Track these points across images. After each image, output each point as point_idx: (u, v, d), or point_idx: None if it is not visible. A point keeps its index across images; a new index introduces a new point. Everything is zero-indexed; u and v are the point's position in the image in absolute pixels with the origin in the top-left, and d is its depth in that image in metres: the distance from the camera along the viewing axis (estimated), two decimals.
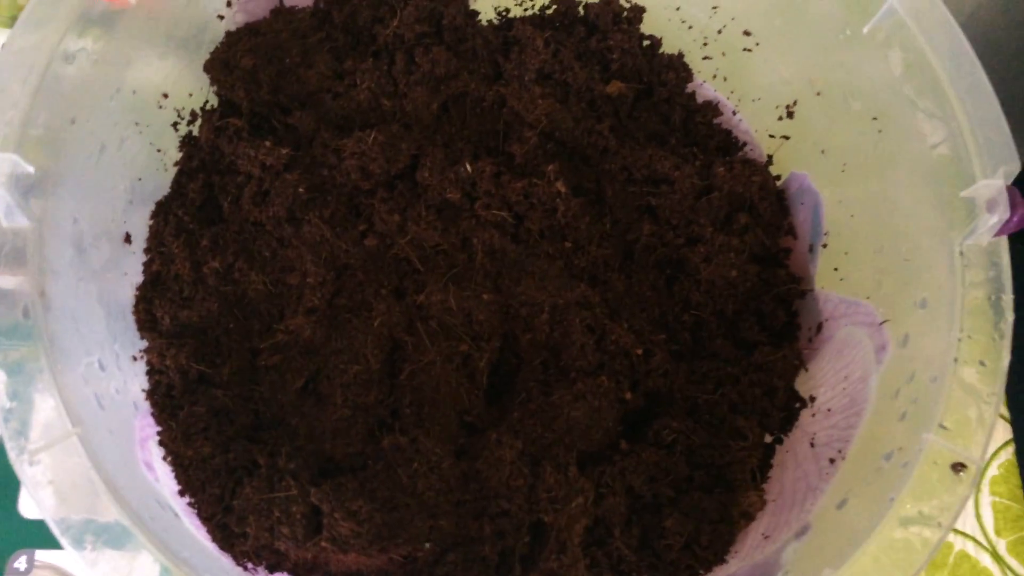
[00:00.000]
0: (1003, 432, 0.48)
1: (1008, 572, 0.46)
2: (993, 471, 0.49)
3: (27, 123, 0.29)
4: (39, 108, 0.29)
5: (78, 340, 0.31)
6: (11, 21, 0.49)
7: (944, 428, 0.29)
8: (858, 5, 0.34)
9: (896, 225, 0.35)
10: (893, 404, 0.32)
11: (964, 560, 0.47)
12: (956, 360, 0.30)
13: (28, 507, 0.41)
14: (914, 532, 0.28)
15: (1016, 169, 0.30)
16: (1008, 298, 0.30)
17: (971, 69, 0.31)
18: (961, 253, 0.31)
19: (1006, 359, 0.30)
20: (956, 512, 0.28)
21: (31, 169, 0.29)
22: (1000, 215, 0.30)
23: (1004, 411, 0.49)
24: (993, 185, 0.30)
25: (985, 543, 0.47)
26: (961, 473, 0.29)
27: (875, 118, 0.35)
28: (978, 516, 0.48)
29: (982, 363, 0.30)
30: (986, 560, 0.46)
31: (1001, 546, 0.47)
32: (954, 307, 0.31)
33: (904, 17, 0.32)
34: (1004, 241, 0.31)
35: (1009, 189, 0.30)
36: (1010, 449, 0.48)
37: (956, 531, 0.47)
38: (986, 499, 0.48)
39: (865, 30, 0.34)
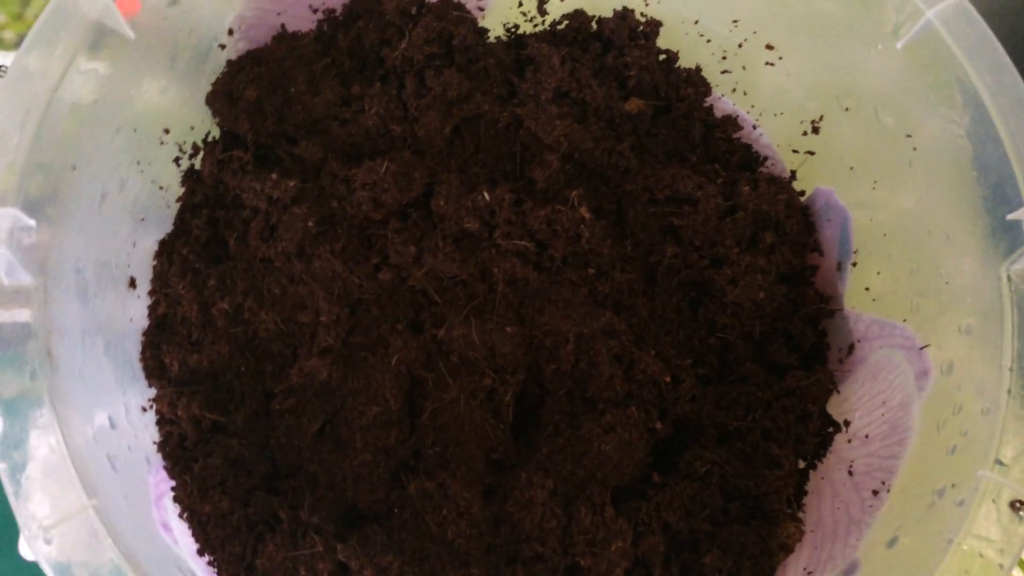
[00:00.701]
0: None
1: None
2: None
3: (26, 173, 0.27)
4: (38, 156, 0.27)
5: (88, 398, 0.29)
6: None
7: (1001, 464, 0.28)
8: (892, 20, 0.32)
9: (934, 246, 0.34)
10: (940, 436, 0.31)
11: None
12: (1009, 392, 0.29)
13: (28, 549, 0.39)
14: (975, 572, 0.27)
15: None
16: None
17: (1014, 85, 0.30)
18: (1009, 279, 0.30)
19: None
20: (1018, 554, 0.27)
21: (32, 223, 0.27)
22: None
23: None
24: None
25: None
26: (1022, 512, 0.27)
27: (909, 135, 0.34)
28: None
29: None
30: None
31: None
32: (1004, 335, 0.30)
33: (942, 32, 0.31)
34: None
35: None
36: None
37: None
38: None
39: (899, 46, 0.32)
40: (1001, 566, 0.27)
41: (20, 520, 0.25)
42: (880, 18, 0.33)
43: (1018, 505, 0.28)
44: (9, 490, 0.25)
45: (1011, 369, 0.29)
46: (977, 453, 0.29)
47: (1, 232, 0.26)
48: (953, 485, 0.29)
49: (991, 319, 0.30)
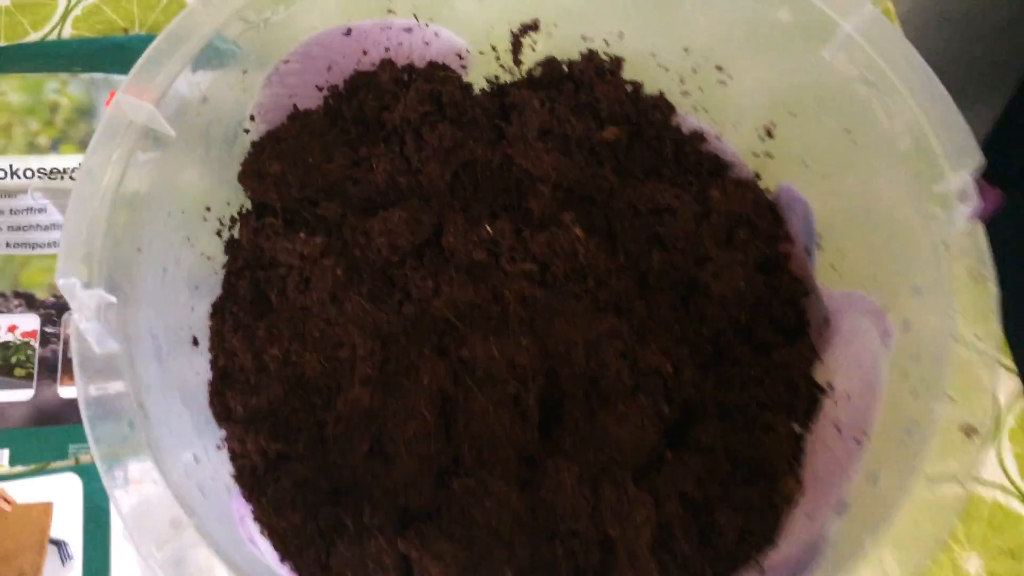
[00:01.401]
0: (1014, 385, 0.52)
1: None
2: (1011, 422, 0.52)
3: (104, 259, 0.32)
4: (111, 244, 0.33)
5: (175, 441, 0.34)
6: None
7: (951, 399, 0.33)
8: (817, 35, 0.37)
9: (882, 223, 0.39)
10: (905, 384, 0.36)
11: (997, 509, 0.50)
12: (954, 338, 0.33)
13: None
14: (940, 493, 0.32)
15: (980, 162, 0.34)
16: (990, 274, 0.34)
17: (928, 81, 0.35)
18: (944, 243, 0.35)
19: (997, 329, 0.33)
20: (974, 470, 0.32)
21: (113, 299, 0.32)
22: (970, 203, 0.34)
23: (1009, 364, 0.52)
24: (962, 178, 0.34)
25: (1013, 490, 0.50)
26: (973, 436, 0.32)
27: (848, 131, 0.39)
28: (1003, 467, 0.51)
29: (976, 336, 0.33)
30: (1016, 505, 0.50)
31: None
32: (944, 290, 0.34)
33: (860, 40, 0.36)
34: (979, 225, 0.35)
35: (977, 180, 0.34)
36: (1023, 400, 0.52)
37: (985, 483, 0.50)
38: (1008, 450, 0.52)
39: (826, 55, 0.38)
40: (962, 482, 0.32)
41: (139, 544, 0.30)
42: (808, 34, 0.38)
43: (969, 429, 0.32)
44: (124, 520, 0.30)
45: (952, 317, 0.34)
46: (933, 392, 0.33)
47: (91, 310, 0.32)
48: (916, 423, 0.34)
49: (934, 279, 0.35)
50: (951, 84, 0.36)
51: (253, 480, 0.38)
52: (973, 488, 0.32)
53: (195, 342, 0.40)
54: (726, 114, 0.46)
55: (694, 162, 0.47)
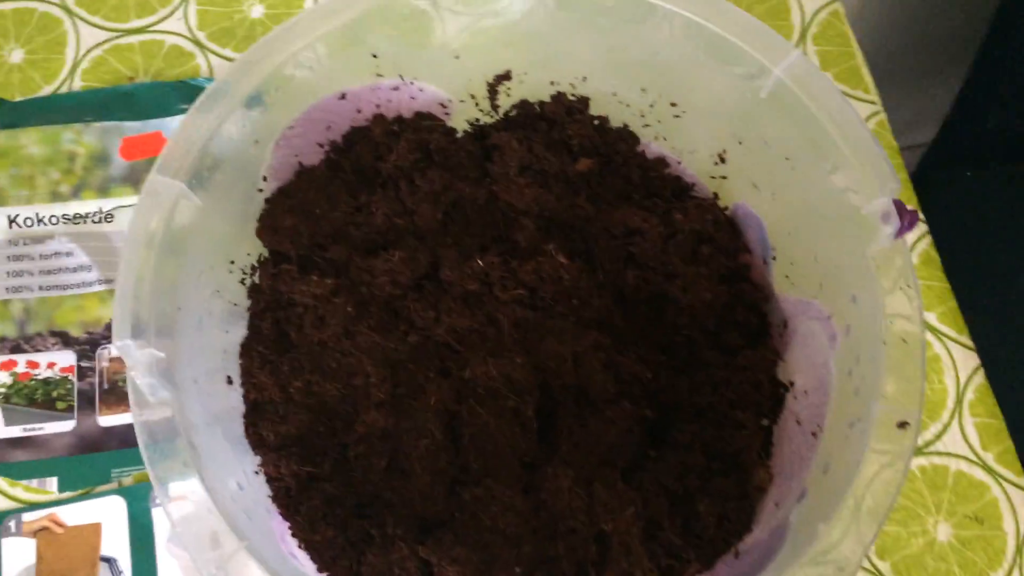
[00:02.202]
0: (969, 361, 0.57)
1: (1000, 480, 0.55)
2: (970, 395, 0.57)
3: (152, 321, 0.38)
4: (158, 307, 0.38)
5: (220, 472, 0.40)
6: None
7: (885, 397, 0.38)
8: (755, 78, 0.43)
9: (823, 239, 0.44)
10: (849, 382, 0.41)
11: (961, 478, 0.55)
12: (884, 342, 0.39)
13: None
14: (880, 478, 0.37)
15: (898, 188, 0.39)
16: (913, 286, 0.39)
17: (850, 118, 0.40)
18: (873, 259, 0.40)
19: (920, 334, 0.39)
20: (908, 457, 0.37)
21: (162, 355, 0.38)
22: (893, 224, 0.39)
23: (967, 341, 0.58)
24: (884, 202, 0.39)
25: (976, 459, 0.56)
26: (905, 428, 0.37)
27: (787, 158, 0.44)
28: (965, 438, 0.56)
29: (904, 340, 0.39)
30: (980, 474, 0.55)
31: (989, 459, 0.56)
32: (876, 300, 0.40)
33: (789, 83, 0.41)
34: (902, 241, 0.40)
35: (896, 203, 0.39)
36: (981, 374, 0.57)
37: (949, 454, 0.56)
38: (969, 421, 0.57)
39: (763, 95, 0.43)
40: (898, 468, 0.37)
41: (198, 565, 0.35)
42: (746, 76, 0.43)
43: (903, 424, 0.38)
44: (187, 544, 0.36)
45: (882, 324, 0.39)
46: (871, 391, 0.39)
47: (144, 366, 0.37)
48: (858, 418, 0.39)
49: (867, 289, 0.40)
50: (913, 61, 0.41)
51: (288, 500, 0.44)
52: (906, 471, 0.37)
53: (229, 381, 0.46)
54: (683, 142, 0.51)
55: (659, 185, 0.52)
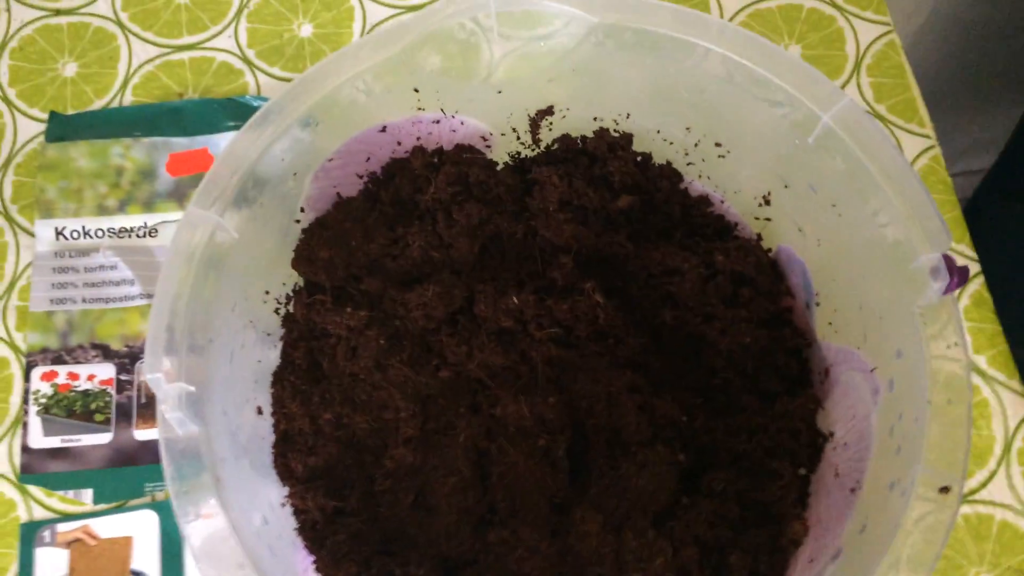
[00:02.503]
0: (1019, 407, 0.55)
1: None
2: (1019, 443, 0.56)
3: (182, 355, 0.38)
4: (189, 340, 0.38)
5: (247, 506, 0.40)
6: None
7: (928, 460, 0.37)
8: (802, 123, 0.42)
9: (869, 289, 0.43)
10: (891, 440, 0.40)
11: (1006, 528, 0.54)
12: (929, 401, 0.37)
13: None
14: (917, 548, 0.36)
15: (949, 243, 0.38)
16: (961, 345, 0.38)
17: (902, 168, 0.39)
18: (920, 314, 0.39)
19: (967, 394, 0.37)
20: (949, 527, 0.36)
21: (192, 388, 0.38)
22: (942, 280, 0.38)
23: (1017, 386, 0.56)
24: (933, 257, 0.38)
25: (1022, 510, 0.54)
26: (947, 494, 0.36)
27: (834, 205, 0.43)
28: (1012, 487, 0.55)
29: (949, 401, 0.37)
30: None
31: None
32: (921, 357, 0.38)
33: (839, 132, 0.40)
34: (952, 297, 0.39)
35: (946, 258, 0.38)
36: None
37: (994, 503, 0.54)
38: (1016, 470, 0.55)
39: (811, 140, 0.42)
40: (936, 540, 0.36)
41: None
42: (794, 120, 0.42)
43: (945, 489, 0.36)
44: None
45: (927, 383, 0.38)
46: (913, 452, 0.37)
47: (174, 399, 0.37)
48: (899, 479, 0.38)
49: (913, 345, 0.39)
50: (971, 88, 0.40)
51: (314, 533, 0.44)
52: (946, 539, 0.36)
53: (259, 411, 0.46)
54: (727, 182, 0.50)
55: (701, 224, 0.51)
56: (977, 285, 0.58)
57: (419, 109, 0.47)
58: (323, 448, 0.45)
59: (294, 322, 0.48)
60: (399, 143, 0.48)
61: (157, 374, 0.37)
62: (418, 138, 0.48)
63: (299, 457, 0.45)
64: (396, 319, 0.47)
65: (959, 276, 0.37)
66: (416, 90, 0.45)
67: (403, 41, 0.41)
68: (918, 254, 0.38)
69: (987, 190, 0.88)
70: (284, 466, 0.45)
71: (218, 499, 0.36)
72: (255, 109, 0.62)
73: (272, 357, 0.48)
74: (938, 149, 0.62)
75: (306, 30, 0.66)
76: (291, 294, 0.49)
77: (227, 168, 0.40)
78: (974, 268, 0.58)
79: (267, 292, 0.46)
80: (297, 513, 0.44)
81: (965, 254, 0.58)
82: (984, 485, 0.54)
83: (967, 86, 0.97)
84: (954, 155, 0.63)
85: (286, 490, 0.45)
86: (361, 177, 0.49)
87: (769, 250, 0.50)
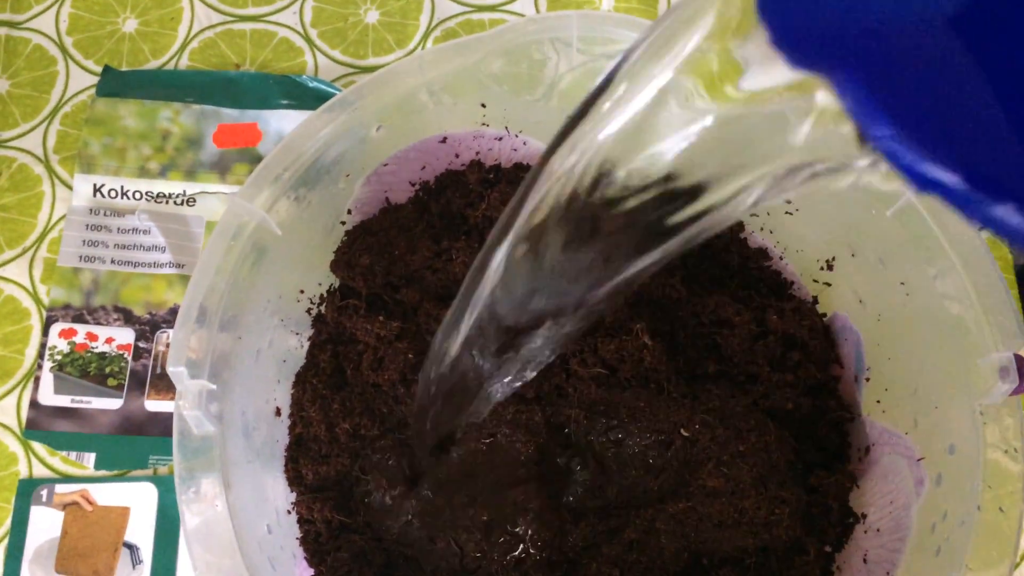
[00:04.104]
0: None
1: None
2: None
3: (209, 350, 0.36)
4: (216, 337, 0.37)
5: (253, 513, 0.38)
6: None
7: (969, 569, 0.35)
8: (883, 195, 0.39)
9: (926, 375, 0.41)
10: (931, 538, 0.38)
11: None
12: (979, 507, 0.35)
13: None
14: None
15: (1022, 344, 0.36)
16: (1021, 452, 0.36)
17: (982, 256, 0.37)
18: (981, 413, 0.37)
19: (1021, 508, 0.35)
20: None
21: (214, 386, 0.36)
22: (1011, 382, 0.35)
23: None
24: (1004, 356, 0.36)
25: None
26: None
27: (902, 283, 0.41)
28: None
29: (1001, 510, 0.35)
30: None
31: None
32: (977, 458, 0.36)
33: (921, 210, 0.38)
34: (1017, 399, 0.36)
35: (1018, 358, 0.36)
36: None
37: None
38: None
39: (889, 214, 0.39)
40: None
41: None
42: (874, 193, 0.40)
43: None
44: None
45: (979, 488, 0.36)
46: (954, 557, 0.36)
47: (194, 396, 0.35)
48: None
49: (969, 443, 0.37)
50: None
51: (317, 546, 0.42)
52: None
53: (277, 412, 0.44)
54: (790, 239, 0.48)
55: (757, 277, 0.49)
56: None
57: (483, 124, 0.45)
58: (336, 459, 0.44)
59: (324, 323, 0.47)
60: (457, 155, 0.47)
61: (180, 368, 0.35)
62: (477, 153, 0.47)
63: (311, 464, 0.44)
64: (428, 334, 0.46)
65: None
66: (483, 105, 0.43)
67: (480, 53, 0.40)
68: (988, 350, 0.36)
69: None
70: (295, 471, 0.44)
71: (225, 504, 0.35)
72: (310, 89, 0.61)
73: (298, 357, 0.46)
74: None
75: (372, 16, 0.64)
76: (325, 295, 0.47)
77: (285, 158, 0.38)
78: None
79: (302, 291, 0.45)
80: (302, 523, 0.43)
81: None
82: None
83: None
84: None
85: (293, 496, 0.44)
86: (413, 185, 0.47)
87: (824, 315, 0.48)
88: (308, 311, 0.46)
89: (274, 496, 0.42)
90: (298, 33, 0.63)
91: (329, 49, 0.63)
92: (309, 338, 0.47)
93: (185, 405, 0.35)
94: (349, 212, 0.45)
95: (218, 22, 0.64)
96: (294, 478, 0.44)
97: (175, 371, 0.35)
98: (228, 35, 0.64)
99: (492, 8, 0.64)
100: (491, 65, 0.41)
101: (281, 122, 0.60)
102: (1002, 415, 0.36)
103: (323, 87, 0.60)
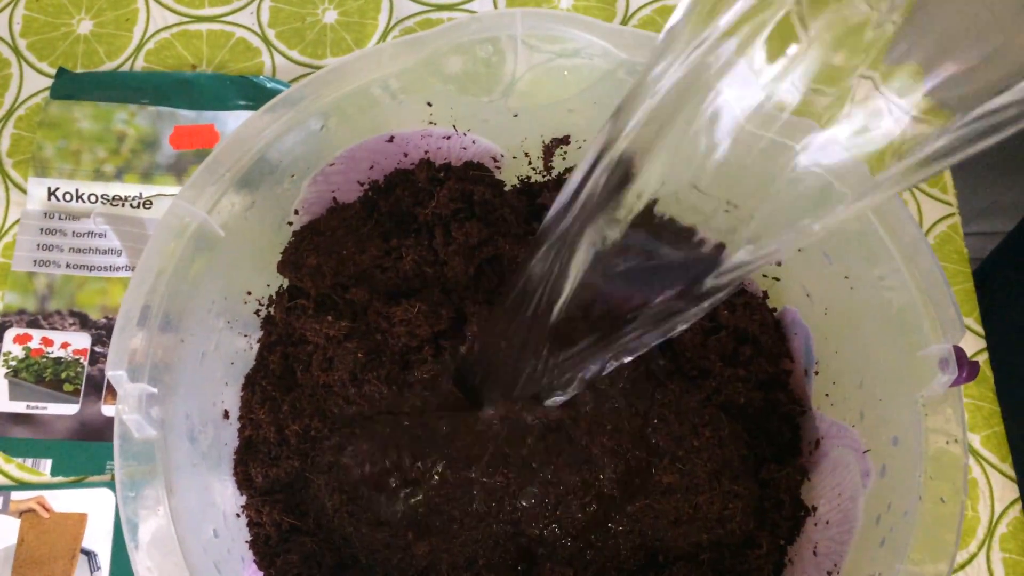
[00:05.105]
0: (1008, 491, 0.54)
1: None
2: (1002, 529, 0.54)
3: (150, 353, 0.36)
4: (158, 340, 0.36)
5: (199, 518, 0.38)
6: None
7: (912, 559, 0.35)
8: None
9: (871, 368, 0.41)
10: (876, 529, 0.38)
11: None
12: (920, 497, 0.36)
13: None
14: None
15: (961, 335, 0.36)
16: (961, 442, 0.36)
17: (924, 252, 0.37)
18: (923, 404, 0.37)
19: (962, 498, 0.35)
20: None
21: (155, 390, 0.36)
22: (951, 373, 0.36)
23: (1008, 470, 0.54)
24: (944, 348, 0.36)
25: None
26: None
27: (847, 277, 0.41)
28: (990, 572, 0.53)
29: (942, 500, 0.35)
30: None
31: None
32: (918, 449, 0.37)
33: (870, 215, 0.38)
34: (959, 391, 0.37)
35: (957, 350, 0.36)
36: (1017, 507, 0.53)
37: None
38: (997, 556, 0.53)
39: None
40: None
41: None
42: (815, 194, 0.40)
43: None
44: None
45: (921, 479, 0.36)
46: (897, 549, 0.36)
47: (135, 400, 0.35)
48: (880, 574, 0.36)
49: (911, 435, 0.37)
50: (998, 148, 0.37)
51: (266, 549, 0.42)
52: None
53: (226, 415, 0.44)
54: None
55: None
56: (980, 360, 0.56)
57: (431, 123, 0.45)
58: (287, 461, 0.44)
59: (273, 324, 0.46)
60: (406, 155, 0.46)
61: (120, 371, 0.35)
62: (426, 152, 0.47)
63: (260, 467, 0.43)
64: (378, 333, 0.46)
65: (969, 371, 0.36)
66: (429, 104, 0.43)
67: (426, 50, 0.40)
68: (928, 342, 0.37)
69: (1000, 256, 0.86)
70: (244, 474, 0.43)
71: (168, 510, 0.35)
72: (268, 90, 0.60)
73: (247, 359, 0.46)
74: (958, 217, 0.60)
75: (330, 16, 0.64)
76: (273, 296, 0.47)
77: (228, 158, 0.38)
78: (979, 343, 0.56)
79: (249, 293, 0.45)
80: (251, 526, 0.42)
81: (971, 328, 0.56)
82: (963, 567, 0.52)
83: (994, 146, 0.95)
84: (971, 215, 0.61)
85: (243, 500, 0.43)
86: (362, 184, 0.47)
87: (774, 309, 0.48)
88: (257, 312, 0.46)
89: (222, 500, 0.42)
90: (255, 33, 0.63)
91: (287, 49, 0.63)
92: (259, 340, 0.46)
93: (125, 409, 0.35)
94: (296, 212, 0.45)
95: (174, 23, 0.63)
96: (243, 481, 0.43)
97: (114, 375, 0.35)
98: (184, 36, 0.63)
99: (451, 7, 0.63)
100: (444, 64, 0.41)
101: (238, 123, 0.60)
102: (943, 406, 0.36)
103: (281, 87, 0.60)
